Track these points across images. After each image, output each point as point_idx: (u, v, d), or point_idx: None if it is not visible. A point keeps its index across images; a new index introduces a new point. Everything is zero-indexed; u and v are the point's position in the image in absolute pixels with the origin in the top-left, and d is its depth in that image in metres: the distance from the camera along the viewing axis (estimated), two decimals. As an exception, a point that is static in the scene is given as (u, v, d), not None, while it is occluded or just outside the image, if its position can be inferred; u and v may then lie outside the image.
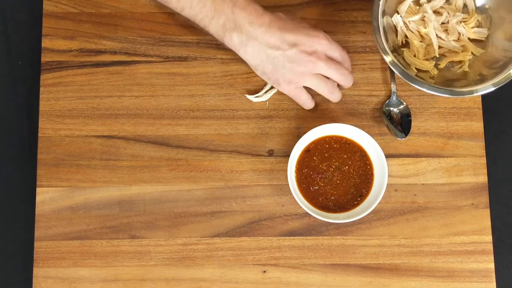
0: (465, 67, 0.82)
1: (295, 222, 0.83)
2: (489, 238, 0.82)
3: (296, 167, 0.80)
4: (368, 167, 0.80)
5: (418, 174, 0.84)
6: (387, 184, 0.79)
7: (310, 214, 0.79)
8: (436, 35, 0.82)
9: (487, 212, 0.83)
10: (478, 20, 0.83)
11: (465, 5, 0.84)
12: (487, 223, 0.83)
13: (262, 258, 0.82)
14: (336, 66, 0.79)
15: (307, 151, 0.81)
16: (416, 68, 0.82)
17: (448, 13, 0.82)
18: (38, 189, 0.83)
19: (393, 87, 0.84)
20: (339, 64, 0.80)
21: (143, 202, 0.83)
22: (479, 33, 0.83)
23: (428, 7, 0.82)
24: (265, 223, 0.83)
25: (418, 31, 0.83)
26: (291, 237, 0.83)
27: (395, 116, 0.83)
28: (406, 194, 0.83)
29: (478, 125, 0.85)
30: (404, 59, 0.82)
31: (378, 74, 0.86)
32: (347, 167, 0.81)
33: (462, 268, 0.82)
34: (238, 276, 0.82)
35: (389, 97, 0.85)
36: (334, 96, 0.82)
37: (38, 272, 0.81)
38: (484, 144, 0.85)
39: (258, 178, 0.84)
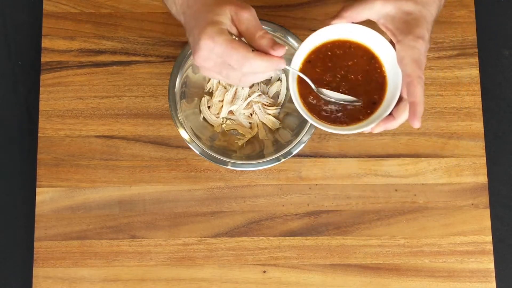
0: (240, 142, 0.82)
1: (295, 222, 0.83)
2: (489, 238, 0.82)
3: (297, 81, 0.70)
4: (379, 70, 0.70)
5: (418, 174, 0.84)
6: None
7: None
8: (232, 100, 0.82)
9: (487, 212, 0.83)
10: (278, 113, 0.83)
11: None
12: (487, 223, 0.83)
13: (262, 258, 0.82)
14: (227, 72, 0.65)
15: (308, 62, 0.71)
16: (203, 118, 0.82)
17: (259, 89, 0.83)
18: (38, 189, 0.83)
19: None
20: (229, 69, 0.65)
21: (143, 202, 0.83)
22: (272, 122, 0.83)
23: None
24: (265, 223, 0.83)
25: (224, 87, 0.83)
26: (291, 237, 0.83)
27: None
28: (406, 194, 0.83)
29: (478, 125, 0.85)
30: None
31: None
32: (353, 75, 0.70)
33: (462, 268, 0.82)
34: (238, 276, 0.82)
35: None
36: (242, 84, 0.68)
37: (38, 272, 0.81)
38: (484, 144, 0.85)
39: (258, 178, 0.84)
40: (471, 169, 0.84)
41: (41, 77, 0.85)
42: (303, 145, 0.77)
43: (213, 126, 0.83)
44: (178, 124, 0.77)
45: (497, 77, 0.95)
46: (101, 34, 0.86)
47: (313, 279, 0.82)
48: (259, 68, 0.64)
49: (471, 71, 0.86)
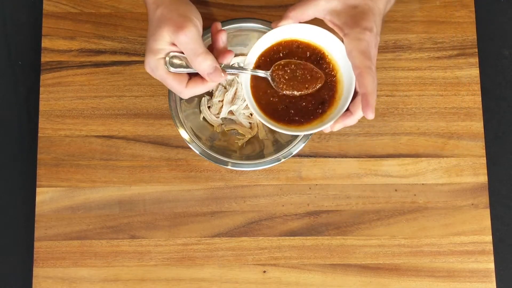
0: (240, 142, 0.82)
1: (295, 222, 0.83)
2: (489, 238, 0.82)
3: (250, 85, 0.71)
4: (327, 70, 0.69)
5: (418, 174, 0.84)
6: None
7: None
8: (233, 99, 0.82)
9: (487, 212, 0.83)
10: None
11: None
12: (487, 223, 0.83)
13: (262, 258, 0.82)
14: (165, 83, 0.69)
15: (258, 67, 0.70)
16: (203, 118, 0.82)
17: None
18: (38, 189, 0.83)
19: None
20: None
21: (143, 202, 0.83)
22: None
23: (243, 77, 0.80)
24: (265, 223, 0.83)
25: (224, 87, 0.82)
26: (291, 237, 0.83)
27: None
28: (406, 194, 0.83)
29: (478, 125, 0.85)
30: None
31: (382, 74, 0.86)
32: (301, 75, 0.69)
33: (462, 268, 0.82)
34: (238, 276, 0.82)
35: None
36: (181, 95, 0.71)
37: (38, 272, 0.81)
38: (484, 144, 0.85)
39: (258, 178, 0.84)
40: (471, 169, 0.84)
41: (41, 77, 0.85)
42: (303, 145, 0.77)
43: (213, 126, 0.83)
44: (178, 124, 0.77)
45: (497, 77, 0.95)
46: (101, 34, 0.86)
47: (313, 279, 0.82)
48: (197, 93, 0.68)
49: (471, 71, 0.86)
